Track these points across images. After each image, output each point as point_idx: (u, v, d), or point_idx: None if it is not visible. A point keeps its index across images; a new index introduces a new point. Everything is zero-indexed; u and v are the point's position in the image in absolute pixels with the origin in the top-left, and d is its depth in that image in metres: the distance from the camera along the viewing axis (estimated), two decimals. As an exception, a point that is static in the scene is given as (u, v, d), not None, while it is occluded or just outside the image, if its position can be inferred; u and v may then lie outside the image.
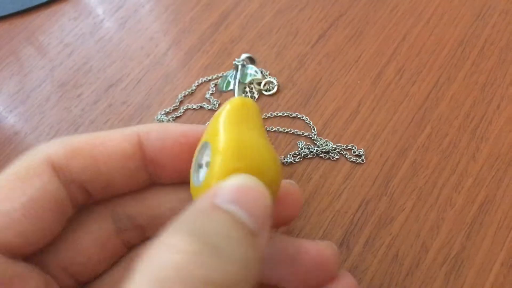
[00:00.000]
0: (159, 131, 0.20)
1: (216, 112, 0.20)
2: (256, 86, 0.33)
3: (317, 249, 0.20)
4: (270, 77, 0.34)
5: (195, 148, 0.20)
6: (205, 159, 0.19)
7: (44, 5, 0.41)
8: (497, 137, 0.30)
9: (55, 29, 0.39)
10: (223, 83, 0.22)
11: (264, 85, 0.34)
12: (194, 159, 0.20)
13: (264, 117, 0.32)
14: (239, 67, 0.22)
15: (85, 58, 0.37)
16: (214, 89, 0.34)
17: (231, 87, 0.22)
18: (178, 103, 0.34)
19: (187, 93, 0.34)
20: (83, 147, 0.19)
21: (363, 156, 0.30)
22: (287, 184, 0.21)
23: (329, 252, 0.20)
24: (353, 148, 0.30)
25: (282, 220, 0.21)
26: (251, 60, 0.22)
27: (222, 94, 0.34)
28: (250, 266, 0.14)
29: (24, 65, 0.37)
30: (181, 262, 0.12)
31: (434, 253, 0.26)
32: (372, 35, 0.35)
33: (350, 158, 0.30)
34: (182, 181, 0.21)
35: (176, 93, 0.34)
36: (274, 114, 0.32)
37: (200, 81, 0.35)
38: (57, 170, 0.18)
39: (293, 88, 0.33)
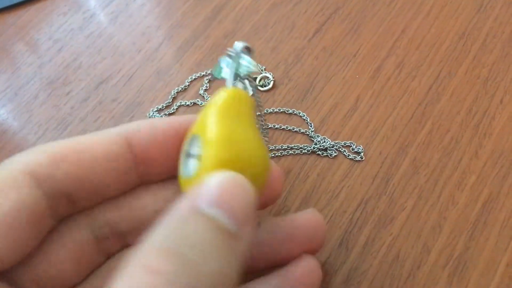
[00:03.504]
0: (147, 127, 0.19)
1: (208, 102, 0.19)
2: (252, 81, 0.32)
3: (307, 219, 0.21)
4: (265, 72, 0.33)
5: (182, 140, 0.19)
6: (195, 150, 0.19)
7: (33, 0, 0.39)
8: (501, 133, 0.29)
9: (43, 24, 0.38)
10: (216, 69, 0.21)
11: (260, 80, 0.32)
12: (182, 150, 0.19)
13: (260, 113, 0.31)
14: (233, 57, 0.21)
15: (75, 54, 0.36)
16: (207, 85, 0.33)
17: (223, 75, 0.21)
18: (171, 100, 0.33)
19: (180, 89, 0.33)
20: (67, 154, 0.17)
21: (362, 153, 0.29)
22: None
23: (318, 218, 0.21)
24: (352, 145, 0.29)
25: (266, 201, 0.21)
26: (248, 50, 0.21)
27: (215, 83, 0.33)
28: (231, 269, 0.14)
29: (12, 62, 0.36)
30: (156, 285, 0.12)
31: (436, 254, 0.25)
32: (370, 28, 0.34)
33: (349, 155, 0.29)
34: (171, 176, 0.20)
35: (168, 90, 0.33)
36: (270, 110, 0.31)
37: (193, 77, 0.33)
38: (40, 181, 0.17)
39: (290, 84, 0.32)
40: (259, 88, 0.32)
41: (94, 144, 0.18)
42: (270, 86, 0.32)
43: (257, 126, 0.20)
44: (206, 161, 0.17)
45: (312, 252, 0.21)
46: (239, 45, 0.21)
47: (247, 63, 0.21)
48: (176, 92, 0.33)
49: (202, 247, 0.14)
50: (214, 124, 0.18)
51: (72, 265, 0.19)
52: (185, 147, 0.19)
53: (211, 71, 0.21)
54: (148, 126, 0.19)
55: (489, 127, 0.29)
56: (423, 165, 0.28)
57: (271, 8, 0.36)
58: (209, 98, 0.32)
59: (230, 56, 0.21)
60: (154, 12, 0.38)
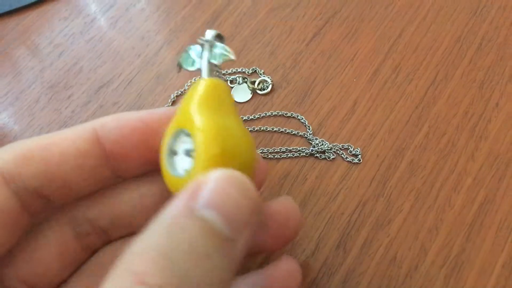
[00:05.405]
0: (114, 121, 0.19)
1: (186, 95, 0.19)
2: (250, 82, 0.33)
3: (279, 206, 0.20)
4: (264, 76, 0.33)
5: (155, 133, 0.19)
6: (181, 146, 0.18)
7: (34, 5, 0.40)
8: (497, 136, 0.29)
9: (45, 29, 0.38)
10: (186, 60, 0.20)
11: (258, 84, 0.33)
12: (165, 147, 0.18)
13: (258, 116, 0.32)
14: (206, 45, 0.20)
15: (76, 58, 0.36)
16: (207, 89, 0.33)
17: (197, 66, 0.20)
18: (170, 104, 0.33)
19: (179, 93, 0.33)
20: (33, 150, 0.17)
21: (359, 156, 0.29)
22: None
23: (293, 206, 0.20)
24: (350, 147, 0.30)
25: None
26: (220, 38, 0.20)
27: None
28: (223, 275, 0.13)
29: (13, 67, 0.36)
30: None
31: (433, 255, 0.26)
32: (368, 32, 0.35)
33: (347, 158, 0.29)
34: (145, 172, 0.20)
35: (168, 93, 0.34)
36: (269, 113, 0.32)
37: (192, 81, 0.34)
38: (7, 178, 0.17)
39: (288, 87, 0.33)
40: (258, 91, 0.33)
41: (61, 141, 0.18)
42: (269, 89, 0.33)
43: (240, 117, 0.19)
44: (200, 159, 0.16)
45: (287, 240, 0.20)
46: (210, 33, 0.20)
47: (222, 50, 0.20)
48: (176, 96, 0.33)
49: (194, 254, 0.13)
50: (203, 119, 0.17)
51: (57, 263, 0.19)
52: (167, 143, 0.18)
53: (179, 62, 0.21)
54: (115, 121, 0.19)
55: (485, 130, 0.30)
56: (420, 167, 0.29)
57: (269, 13, 0.37)
58: (187, 89, 0.33)
59: (202, 45, 0.20)
60: (154, 16, 0.38)
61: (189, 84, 0.34)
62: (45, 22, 0.39)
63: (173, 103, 0.33)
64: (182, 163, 0.18)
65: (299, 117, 0.31)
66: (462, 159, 0.29)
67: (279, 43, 0.35)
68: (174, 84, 0.34)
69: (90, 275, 0.20)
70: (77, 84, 0.35)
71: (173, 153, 0.19)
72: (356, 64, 0.33)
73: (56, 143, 0.18)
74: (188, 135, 0.18)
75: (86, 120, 0.33)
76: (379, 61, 0.33)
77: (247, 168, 0.18)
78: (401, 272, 0.25)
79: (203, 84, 0.18)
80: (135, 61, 0.36)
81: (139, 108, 0.33)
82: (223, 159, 0.16)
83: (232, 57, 0.20)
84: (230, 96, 0.19)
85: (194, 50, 0.20)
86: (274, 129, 0.31)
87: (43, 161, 0.17)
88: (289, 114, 0.31)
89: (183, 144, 0.18)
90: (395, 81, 0.32)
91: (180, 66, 0.20)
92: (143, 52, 0.36)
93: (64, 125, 0.33)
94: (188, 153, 0.18)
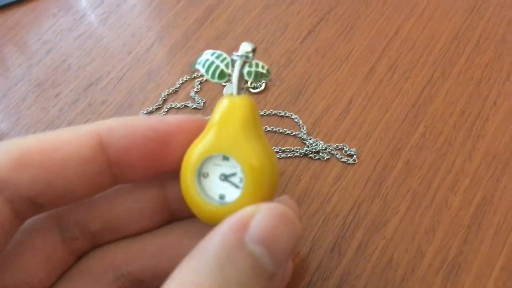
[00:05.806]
0: (122, 128, 0.17)
1: (220, 115, 0.17)
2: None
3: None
4: (257, 74, 0.32)
5: (166, 143, 0.18)
6: (215, 169, 0.18)
7: (22, 1, 0.39)
8: (494, 135, 0.29)
9: (33, 26, 0.37)
10: (212, 71, 0.19)
11: (251, 82, 0.32)
12: (194, 167, 0.17)
13: (251, 116, 0.31)
14: (240, 60, 0.18)
15: (64, 55, 0.35)
16: (199, 87, 0.33)
17: (226, 78, 0.19)
18: (161, 102, 0.32)
19: (170, 91, 0.33)
20: (31, 155, 0.16)
21: (354, 156, 0.28)
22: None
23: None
24: (344, 147, 0.29)
25: None
26: (254, 52, 0.18)
27: (207, 86, 0.32)
28: None
29: (1, 64, 0.35)
30: None
31: (430, 258, 0.25)
32: (363, 30, 0.34)
33: (341, 158, 0.29)
34: (147, 178, 0.19)
35: (159, 92, 0.33)
36: (262, 112, 0.31)
37: (184, 79, 0.33)
38: (1, 186, 0.15)
39: (282, 86, 0.32)
40: (251, 90, 0.32)
41: (62, 145, 0.16)
42: (262, 88, 0.32)
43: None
44: (250, 191, 0.17)
45: None
46: (247, 46, 0.18)
47: (259, 68, 0.18)
48: (167, 94, 0.33)
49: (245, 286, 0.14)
50: (252, 148, 0.17)
51: (43, 270, 0.18)
52: (199, 163, 0.17)
53: (195, 67, 0.19)
54: (123, 126, 0.17)
55: (482, 129, 0.29)
56: (417, 167, 0.28)
57: (264, 9, 0.36)
58: (202, 104, 0.32)
59: (234, 60, 0.18)
60: (145, 13, 0.37)
61: (180, 82, 0.33)
62: (34, 19, 0.38)
63: (164, 101, 0.32)
64: (217, 188, 0.17)
65: (293, 116, 0.31)
66: (459, 159, 0.28)
67: (273, 41, 0.34)
68: (165, 82, 0.33)
69: (77, 281, 0.19)
70: (65, 82, 0.34)
71: (202, 175, 0.18)
72: (352, 62, 0.33)
73: (57, 148, 0.16)
74: (227, 159, 0.17)
75: (74, 119, 0.32)
76: (375, 59, 0.33)
77: (277, 183, 0.18)
78: (397, 275, 0.25)
79: (243, 105, 0.17)
80: (126, 58, 0.35)
81: (130, 106, 0.32)
82: (270, 189, 0.17)
83: (270, 77, 0.19)
84: (258, 112, 0.19)
85: (218, 58, 0.19)
86: (268, 129, 0.30)
87: (42, 168, 0.16)
88: (282, 113, 0.31)
89: (218, 168, 0.17)
90: (391, 79, 0.32)
91: (193, 70, 0.19)
92: (134, 49, 0.35)
93: (52, 124, 0.32)
94: (225, 177, 0.17)
